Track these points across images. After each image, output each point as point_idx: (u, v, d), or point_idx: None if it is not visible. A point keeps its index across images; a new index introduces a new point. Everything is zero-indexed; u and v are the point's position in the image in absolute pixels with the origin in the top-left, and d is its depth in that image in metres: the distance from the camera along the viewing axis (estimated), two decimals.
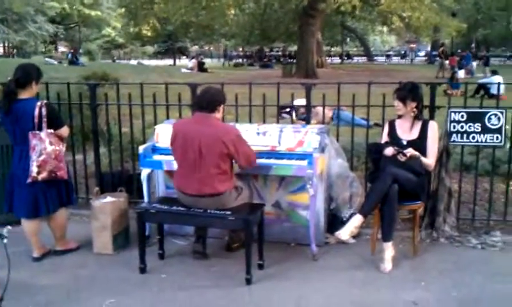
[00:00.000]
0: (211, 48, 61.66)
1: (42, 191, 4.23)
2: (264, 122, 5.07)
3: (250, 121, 5.16)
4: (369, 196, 4.19)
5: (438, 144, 4.54)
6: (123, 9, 34.21)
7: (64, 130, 4.32)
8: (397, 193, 4.10)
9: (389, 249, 4.17)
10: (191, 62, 30.28)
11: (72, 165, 5.70)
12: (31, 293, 3.88)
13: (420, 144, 4.37)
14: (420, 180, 4.26)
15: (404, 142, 4.41)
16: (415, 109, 4.40)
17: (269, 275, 4.12)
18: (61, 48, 53.33)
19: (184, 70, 28.10)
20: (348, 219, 4.40)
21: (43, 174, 4.13)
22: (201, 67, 28.29)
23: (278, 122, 5.14)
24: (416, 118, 4.43)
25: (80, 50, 48.96)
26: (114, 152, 5.95)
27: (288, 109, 11.64)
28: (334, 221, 4.83)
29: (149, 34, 47.21)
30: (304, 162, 4.25)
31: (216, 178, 3.88)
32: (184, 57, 50.88)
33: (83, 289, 3.95)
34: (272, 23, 35.12)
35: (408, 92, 4.39)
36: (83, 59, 36.08)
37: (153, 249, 4.46)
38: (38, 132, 4.12)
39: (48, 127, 4.17)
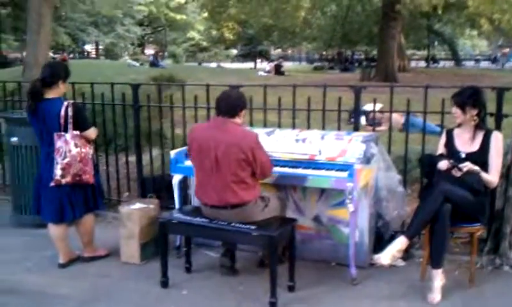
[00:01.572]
0: (293, 51, 61.44)
1: (67, 195, 4.07)
2: (323, 128, 4.68)
3: (293, 126, 4.77)
4: (416, 215, 3.66)
5: (504, 158, 3.93)
6: (206, 13, 34.76)
7: (91, 132, 4.14)
8: (449, 213, 3.56)
9: (438, 277, 3.62)
10: (269, 66, 30.05)
11: (116, 167, 5.59)
12: (45, 302, 3.72)
13: (481, 157, 3.79)
14: (479, 199, 3.69)
15: (463, 155, 3.84)
16: (475, 117, 3.82)
17: (298, 298, 3.72)
18: (150, 51, 55.11)
19: (260, 73, 27.96)
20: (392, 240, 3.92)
21: (67, 178, 3.96)
22: (278, 70, 27.98)
23: (338, 128, 4.67)
24: (478, 127, 3.85)
25: (166, 53, 50.48)
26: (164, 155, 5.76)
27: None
28: (381, 241, 4.33)
29: (231, 37, 47.67)
30: (345, 174, 3.80)
31: (235, 187, 3.53)
32: (266, 60, 51.01)
33: (99, 300, 3.74)
34: (354, 26, 34.29)
35: (467, 98, 3.82)
36: (166, 62, 37.02)
37: (183, 261, 4.18)
38: (63, 133, 3.96)
39: (75, 128, 4.00)
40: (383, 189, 4.31)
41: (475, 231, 3.79)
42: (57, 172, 3.93)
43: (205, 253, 4.46)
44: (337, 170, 3.88)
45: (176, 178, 4.33)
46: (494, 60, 48.09)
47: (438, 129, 8.53)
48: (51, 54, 29.67)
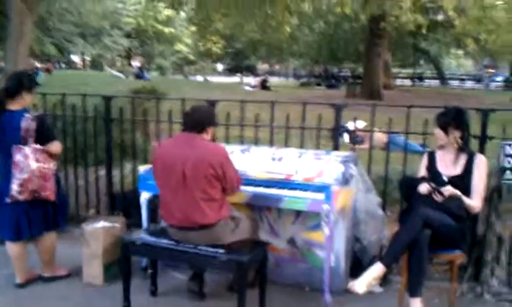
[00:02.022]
0: (280, 67, 61.53)
1: (25, 212, 3.83)
2: (302, 146, 4.50)
3: (271, 144, 4.58)
4: (394, 241, 3.48)
5: (488, 182, 3.78)
6: (193, 27, 34.71)
7: (55, 146, 3.91)
8: (428, 240, 3.38)
9: (417, 306, 3.43)
10: (254, 81, 29.99)
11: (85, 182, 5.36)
12: None
13: (463, 181, 3.63)
14: (461, 225, 3.51)
15: (445, 178, 3.68)
16: (459, 139, 3.67)
17: None
18: (138, 63, 54.80)
19: (246, 88, 27.85)
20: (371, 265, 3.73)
21: (25, 195, 3.72)
22: (264, 85, 27.90)
23: (318, 147, 4.49)
24: (461, 149, 3.69)
25: (153, 65, 50.24)
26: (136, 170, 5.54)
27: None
28: (359, 265, 4.14)
29: (218, 51, 47.65)
30: (321, 196, 3.61)
31: (204, 205, 3.32)
32: (252, 75, 51.07)
33: None
34: (341, 44, 34.44)
35: (450, 119, 3.67)
36: (152, 74, 36.78)
37: (149, 283, 3.95)
38: (22, 146, 3.73)
39: (38, 142, 3.77)
40: (361, 212, 4.14)
41: (455, 259, 3.61)
42: (14, 187, 3.70)
43: (172, 275, 4.23)
44: (313, 191, 3.69)
45: (144, 196, 4.11)
46: (479, 80, 48.52)
47: (421, 149, 8.41)
48: (37, 64, 29.35)
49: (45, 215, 3.93)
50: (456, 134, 3.66)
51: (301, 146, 4.52)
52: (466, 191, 3.59)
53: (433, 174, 3.75)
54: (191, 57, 55.82)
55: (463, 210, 3.52)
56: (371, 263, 3.82)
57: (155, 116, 4.96)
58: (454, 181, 3.63)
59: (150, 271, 3.92)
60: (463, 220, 3.53)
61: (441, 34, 30.99)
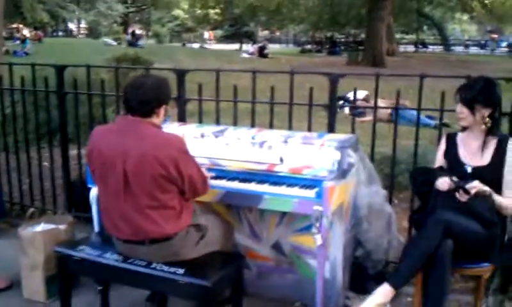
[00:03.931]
0: (281, 33, 60.15)
1: None
2: (290, 127, 3.68)
3: (252, 124, 3.77)
4: (406, 256, 2.69)
5: None
6: None
7: None
8: (451, 253, 2.59)
9: None
10: (252, 48, 29.01)
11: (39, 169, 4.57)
12: None
13: (493, 172, 2.83)
14: (490, 231, 2.71)
15: (469, 170, 2.87)
16: (488, 119, 2.84)
17: None
18: (137, 31, 53.39)
19: (243, 55, 26.91)
20: (378, 276, 2.97)
21: None
22: (261, 52, 26.88)
23: (309, 128, 3.66)
24: (491, 132, 2.87)
25: (150, 33, 49.03)
26: None
27: (341, 102, 10.20)
28: (361, 275, 3.38)
29: (216, 17, 46.34)
30: (311, 193, 2.81)
31: (154, 214, 2.51)
32: (252, 42, 49.83)
33: None
34: (343, 8, 33.22)
35: (477, 93, 2.83)
36: (148, 41, 35.73)
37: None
38: None
39: None
40: (363, 208, 3.33)
41: (483, 273, 2.83)
42: None
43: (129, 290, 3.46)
44: (302, 187, 2.88)
45: (94, 191, 3.30)
46: (483, 46, 47.29)
47: (432, 122, 7.47)
48: (25, 31, 28.29)
49: None
50: (484, 113, 2.83)
51: (289, 126, 3.69)
52: (495, 186, 2.79)
53: (454, 164, 2.95)
54: (189, 24, 54.50)
55: (494, 212, 2.73)
56: (376, 270, 3.11)
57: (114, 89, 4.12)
58: (480, 173, 2.83)
59: (99, 288, 3.14)
60: (493, 225, 2.73)
61: None
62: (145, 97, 2.52)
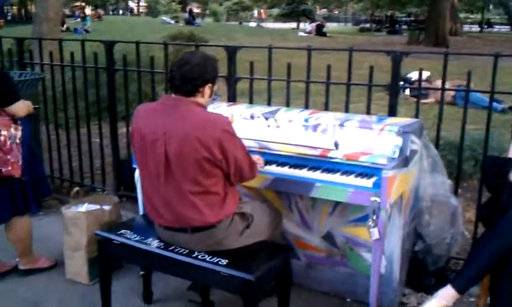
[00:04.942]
0: (339, 12, 59.05)
1: None
2: (347, 109, 3.42)
3: (306, 106, 3.52)
4: (474, 255, 2.41)
5: None
6: None
7: (18, 108, 2.99)
8: None
9: None
10: (310, 26, 28.46)
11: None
12: None
13: None
14: None
15: None
16: None
17: None
18: (194, 10, 53.59)
19: (301, 34, 26.44)
20: (438, 273, 2.71)
21: None
22: (319, 31, 26.30)
23: (368, 111, 3.39)
24: None
25: (207, 11, 49.17)
26: None
27: (401, 83, 9.76)
28: (420, 271, 3.12)
29: None
30: (368, 182, 2.56)
31: (197, 201, 2.34)
32: (309, 20, 49.04)
33: None
34: None
35: None
36: (204, 21, 35.75)
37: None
38: None
39: None
40: (425, 199, 3.06)
41: None
42: None
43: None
44: (358, 175, 2.64)
45: (138, 172, 3.16)
46: None
47: (499, 106, 6.97)
48: (86, 10, 28.87)
49: (11, 197, 3.08)
50: None
51: (346, 108, 3.43)
52: None
53: None
54: (246, 2, 54.22)
55: None
56: (436, 267, 2.84)
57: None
58: None
59: (141, 273, 3.03)
60: None
61: None
62: (189, 75, 2.33)
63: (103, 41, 4.19)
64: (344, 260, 3.07)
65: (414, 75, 8.49)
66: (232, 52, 3.65)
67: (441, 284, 2.49)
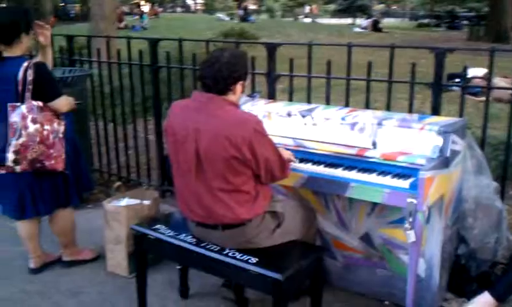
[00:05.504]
0: (397, 7, 57.83)
1: (29, 186, 3.08)
2: (388, 107, 3.34)
3: (347, 103, 3.46)
4: None
5: None
6: None
7: (60, 103, 3.06)
8: None
9: None
10: (365, 22, 28.03)
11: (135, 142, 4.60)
12: None
13: None
14: None
15: None
16: None
17: None
18: (250, 6, 53.87)
19: (356, 29, 26.08)
20: (481, 279, 2.60)
21: (23, 165, 2.95)
22: (375, 26, 25.85)
23: (410, 110, 3.30)
24: None
25: (263, 8, 49.26)
26: None
27: (457, 80, 9.45)
28: (462, 275, 3.00)
29: None
30: (405, 183, 2.49)
31: (226, 198, 2.34)
32: (366, 16, 48.32)
33: None
34: None
35: None
36: (259, 17, 35.88)
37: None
38: (18, 104, 2.94)
39: (37, 98, 2.96)
40: (469, 201, 2.95)
41: None
42: (9, 156, 2.92)
43: None
44: (395, 175, 2.57)
45: None
46: None
47: None
48: (144, 8, 29.53)
49: (54, 190, 3.17)
50: None
51: (387, 106, 3.35)
52: None
53: None
54: None
55: None
56: (480, 271, 2.73)
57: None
58: None
59: (178, 268, 3.06)
60: None
61: None
62: (219, 74, 2.31)
63: (147, 39, 4.26)
64: (383, 262, 2.99)
65: (475, 72, 8.22)
66: (271, 48, 3.62)
67: (484, 290, 2.40)
